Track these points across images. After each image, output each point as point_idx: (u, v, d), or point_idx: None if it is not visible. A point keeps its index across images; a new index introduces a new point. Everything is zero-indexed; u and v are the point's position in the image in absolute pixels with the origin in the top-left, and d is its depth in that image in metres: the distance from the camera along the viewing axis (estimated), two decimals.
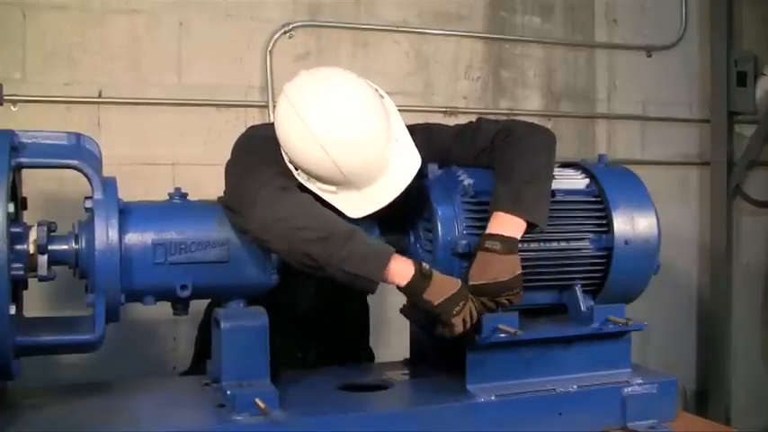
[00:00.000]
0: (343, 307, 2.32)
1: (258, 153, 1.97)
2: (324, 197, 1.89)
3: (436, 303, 1.78)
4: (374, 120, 1.86)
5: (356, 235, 1.78)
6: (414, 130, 2.03)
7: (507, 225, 1.87)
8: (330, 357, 2.33)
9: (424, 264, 1.81)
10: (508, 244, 1.85)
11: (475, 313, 1.83)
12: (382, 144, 1.87)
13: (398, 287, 1.80)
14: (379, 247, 1.81)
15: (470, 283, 1.85)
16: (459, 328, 1.80)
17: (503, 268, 1.84)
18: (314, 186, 1.89)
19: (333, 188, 1.87)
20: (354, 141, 1.81)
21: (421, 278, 1.78)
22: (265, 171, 1.90)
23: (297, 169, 1.90)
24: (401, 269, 1.78)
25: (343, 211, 1.88)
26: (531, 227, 1.89)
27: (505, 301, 1.87)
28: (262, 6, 3.46)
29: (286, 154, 1.91)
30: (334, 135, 1.80)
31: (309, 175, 1.88)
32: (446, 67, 3.88)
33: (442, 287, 1.80)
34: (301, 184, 1.90)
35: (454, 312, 1.78)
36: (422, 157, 1.95)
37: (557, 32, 4.12)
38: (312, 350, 2.36)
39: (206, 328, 2.23)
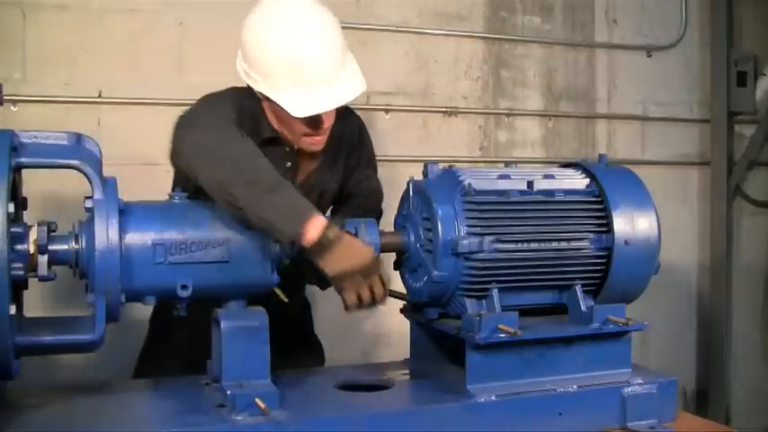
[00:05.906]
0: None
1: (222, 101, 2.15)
2: (271, 95, 2.03)
3: (332, 274, 1.77)
4: (332, 30, 2.08)
5: (283, 187, 1.78)
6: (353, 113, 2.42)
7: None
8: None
9: (336, 229, 1.77)
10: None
11: (380, 291, 1.84)
12: (335, 51, 2.07)
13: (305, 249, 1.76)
14: (302, 204, 1.79)
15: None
16: (350, 305, 1.83)
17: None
18: (265, 86, 2.03)
19: (282, 85, 2.01)
20: (314, 34, 2.02)
21: (321, 243, 1.74)
22: (222, 106, 2.06)
23: (251, 74, 2.06)
24: (314, 231, 1.74)
25: (287, 108, 2.00)
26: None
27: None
28: None
29: (245, 62, 2.08)
30: (299, 24, 2.01)
31: (266, 73, 2.02)
32: (446, 67, 3.87)
33: (345, 256, 1.76)
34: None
35: (344, 286, 1.79)
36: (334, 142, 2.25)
37: (557, 32, 4.12)
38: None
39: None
